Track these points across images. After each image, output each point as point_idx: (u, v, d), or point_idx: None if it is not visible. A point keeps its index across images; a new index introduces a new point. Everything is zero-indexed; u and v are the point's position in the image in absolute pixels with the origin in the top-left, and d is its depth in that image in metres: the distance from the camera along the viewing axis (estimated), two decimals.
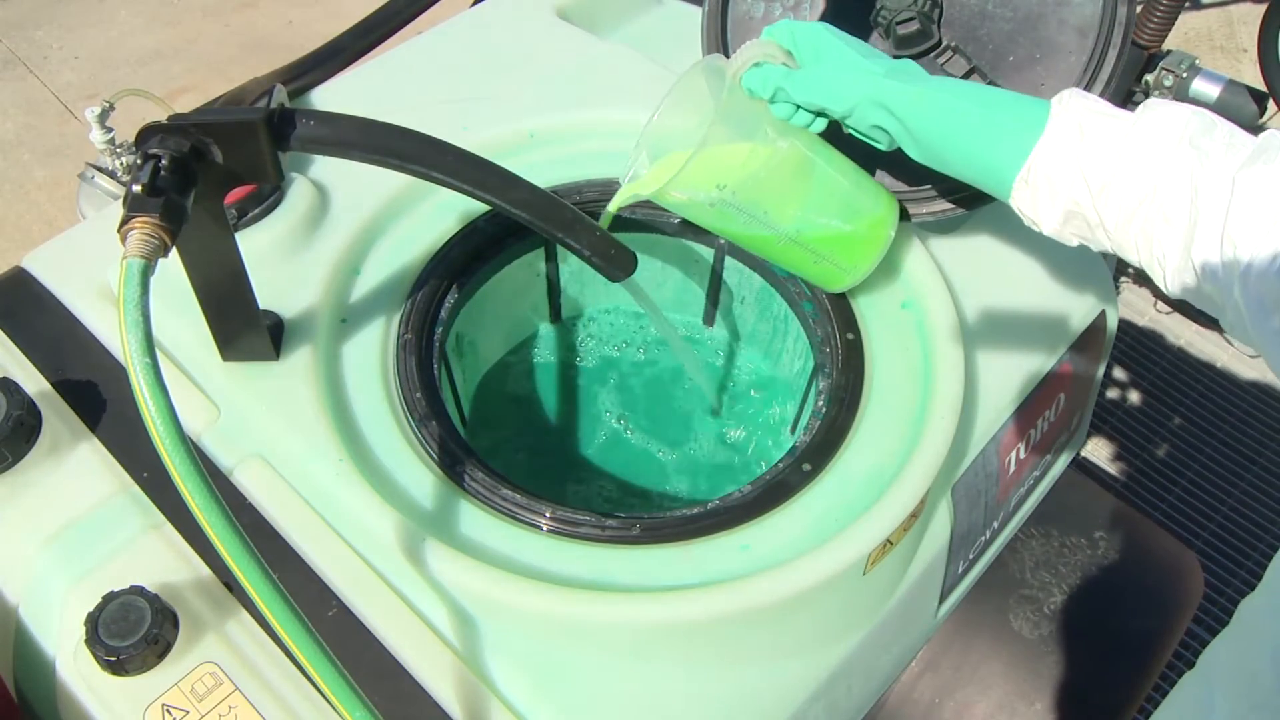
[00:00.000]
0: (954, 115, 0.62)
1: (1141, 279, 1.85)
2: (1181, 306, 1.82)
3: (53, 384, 0.72)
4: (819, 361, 0.74)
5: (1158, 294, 1.83)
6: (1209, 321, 1.80)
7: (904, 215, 0.75)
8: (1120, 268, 1.81)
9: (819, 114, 0.67)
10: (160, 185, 0.52)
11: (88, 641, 0.57)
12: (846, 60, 0.65)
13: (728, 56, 0.82)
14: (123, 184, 1.12)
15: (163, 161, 0.53)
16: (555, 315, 0.93)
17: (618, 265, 0.70)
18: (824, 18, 0.79)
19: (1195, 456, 1.68)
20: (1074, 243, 0.63)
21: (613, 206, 0.73)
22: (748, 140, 0.68)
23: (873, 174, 0.75)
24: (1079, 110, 0.59)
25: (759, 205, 0.69)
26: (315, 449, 0.65)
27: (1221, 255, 0.53)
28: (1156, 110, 0.58)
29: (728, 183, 0.67)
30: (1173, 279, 0.57)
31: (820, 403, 0.71)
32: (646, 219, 0.83)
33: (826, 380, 0.72)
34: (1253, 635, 0.53)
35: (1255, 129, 0.58)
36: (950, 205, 0.76)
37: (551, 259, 0.87)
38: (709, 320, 0.93)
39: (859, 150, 0.71)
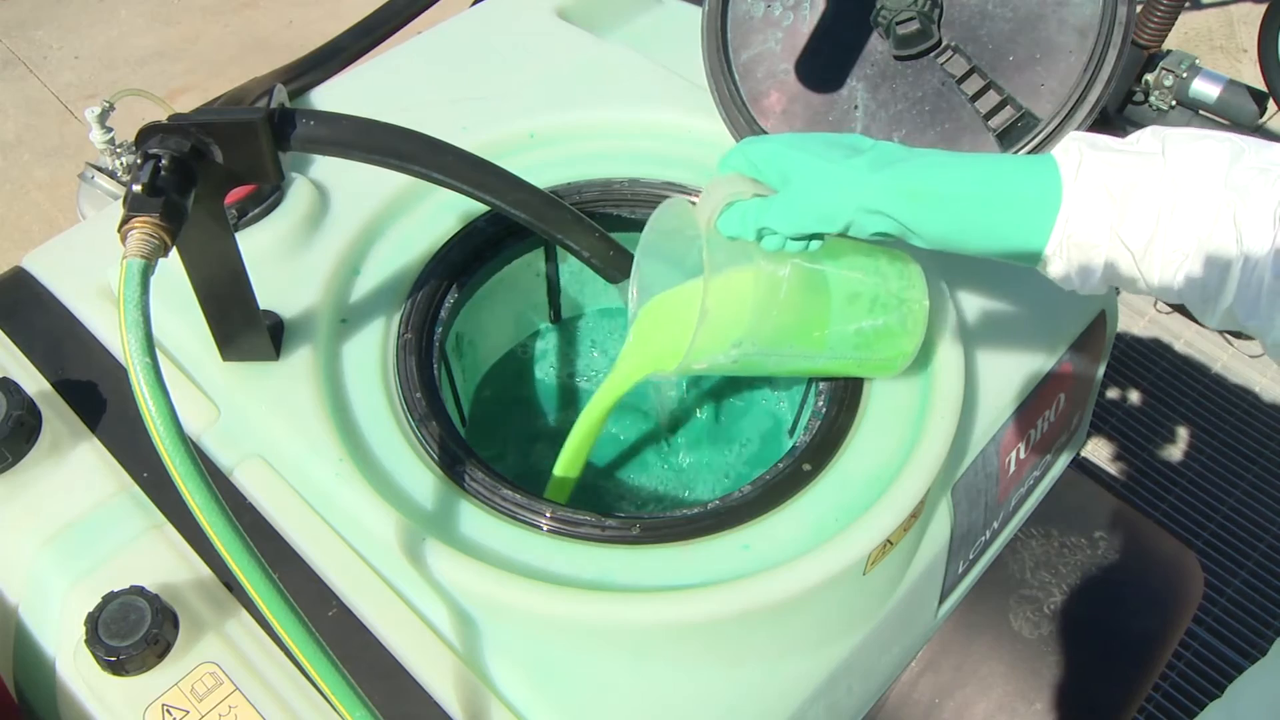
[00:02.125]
0: (958, 207, 0.55)
1: None
2: (1182, 307, 1.82)
3: (53, 384, 0.72)
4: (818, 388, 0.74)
5: None
6: None
7: None
8: None
9: (812, 237, 0.60)
10: (160, 185, 0.52)
11: (88, 641, 0.57)
12: (820, 173, 0.57)
13: (728, 56, 0.82)
14: (123, 184, 1.12)
15: (163, 161, 0.53)
16: (555, 315, 0.93)
17: (616, 267, 0.71)
18: (824, 18, 0.79)
19: (1195, 456, 1.68)
20: (1104, 290, 0.59)
21: (625, 386, 0.68)
22: (745, 281, 0.61)
23: None
24: (1098, 169, 0.54)
25: (783, 344, 0.63)
26: (315, 449, 0.65)
27: (1263, 294, 0.51)
28: (1183, 151, 0.54)
29: (742, 337, 0.61)
30: (1222, 319, 0.54)
31: (820, 403, 0.71)
32: (646, 219, 0.83)
33: (827, 380, 0.72)
34: None
35: (1255, 129, 0.58)
36: None
37: (551, 259, 0.87)
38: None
39: None
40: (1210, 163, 0.53)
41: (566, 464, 0.73)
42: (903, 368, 0.68)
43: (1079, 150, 0.56)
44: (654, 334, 0.68)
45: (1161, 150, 0.55)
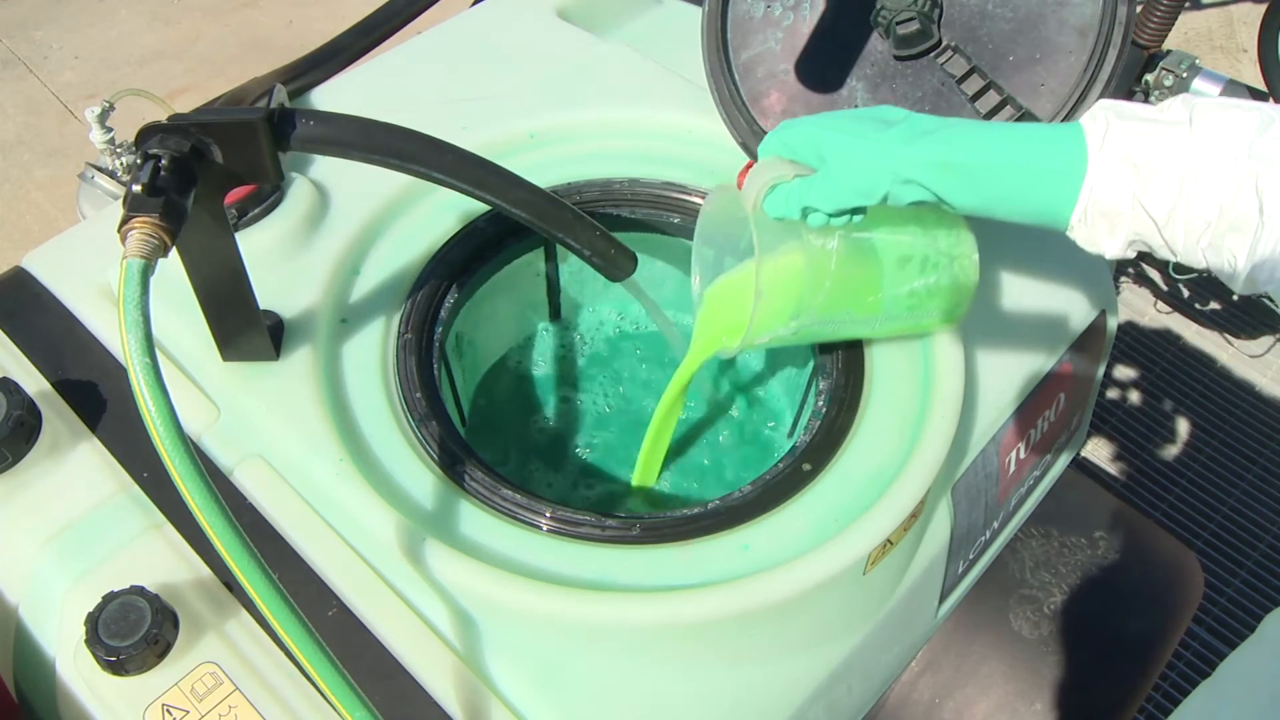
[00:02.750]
0: (988, 177, 0.58)
1: (1141, 279, 1.85)
2: (1182, 306, 1.82)
3: (53, 384, 0.72)
4: (819, 362, 0.74)
5: (1158, 294, 1.84)
6: (1209, 322, 1.80)
7: None
8: (1120, 268, 1.81)
9: (854, 211, 0.62)
10: (160, 185, 0.52)
11: (88, 641, 0.57)
12: (854, 150, 0.60)
13: (728, 56, 0.82)
14: (123, 184, 1.12)
15: (163, 161, 0.53)
16: (555, 314, 0.93)
17: (618, 265, 0.70)
18: (824, 18, 0.79)
19: (1195, 456, 1.68)
20: (1133, 254, 0.60)
21: (696, 364, 0.73)
22: (796, 258, 0.64)
23: None
24: (1122, 138, 0.56)
25: (838, 312, 0.66)
26: (315, 449, 0.65)
27: None
28: (1209, 120, 0.55)
29: (799, 310, 0.64)
30: (1245, 284, 0.55)
31: (820, 403, 0.71)
32: (646, 219, 0.83)
33: (826, 380, 0.72)
34: (1274, 652, 0.52)
35: None
36: None
37: (551, 259, 0.87)
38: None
39: None
40: (1236, 131, 0.54)
41: (650, 448, 0.78)
42: (961, 319, 0.71)
43: (1106, 119, 0.57)
44: (718, 315, 0.72)
45: (1189, 119, 0.55)
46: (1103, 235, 0.58)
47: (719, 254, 0.72)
